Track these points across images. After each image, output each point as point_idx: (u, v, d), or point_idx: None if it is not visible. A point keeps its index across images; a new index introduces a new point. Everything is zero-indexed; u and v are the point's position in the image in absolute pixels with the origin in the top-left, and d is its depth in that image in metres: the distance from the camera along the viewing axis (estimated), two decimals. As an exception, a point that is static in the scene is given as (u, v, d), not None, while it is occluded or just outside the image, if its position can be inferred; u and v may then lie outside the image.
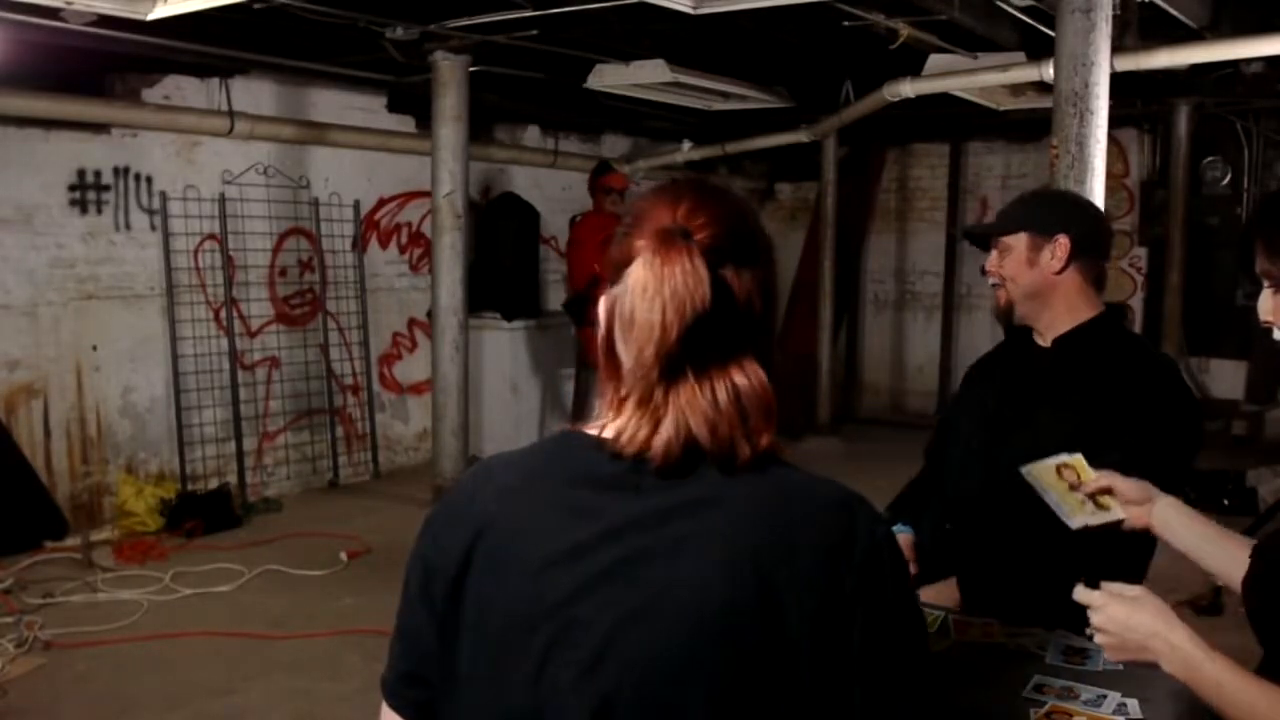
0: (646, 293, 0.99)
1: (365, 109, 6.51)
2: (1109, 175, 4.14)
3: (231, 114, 5.68)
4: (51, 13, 4.06)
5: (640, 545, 0.98)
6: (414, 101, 6.41)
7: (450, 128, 5.59)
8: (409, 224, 6.91)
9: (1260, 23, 4.96)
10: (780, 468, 1.03)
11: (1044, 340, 2.19)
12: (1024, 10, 4.82)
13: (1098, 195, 3.96)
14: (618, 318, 1.03)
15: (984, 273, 2.25)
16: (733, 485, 1.00)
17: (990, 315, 8.81)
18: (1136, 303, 8.16)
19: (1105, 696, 1.59)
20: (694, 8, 4.35)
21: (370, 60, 5.63)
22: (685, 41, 5.49)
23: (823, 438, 7.70)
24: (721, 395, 1.00)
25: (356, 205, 6.49)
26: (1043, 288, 2.15)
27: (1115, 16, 4.15)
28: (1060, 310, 2.15)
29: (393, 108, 6.66)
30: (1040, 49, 5.05)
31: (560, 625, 0.98)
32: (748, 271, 1.03)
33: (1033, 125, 7.30)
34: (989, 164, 8.82)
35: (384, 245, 6.80)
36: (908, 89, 5.91)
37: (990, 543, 2.14)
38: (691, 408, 0.99)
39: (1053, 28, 4.14)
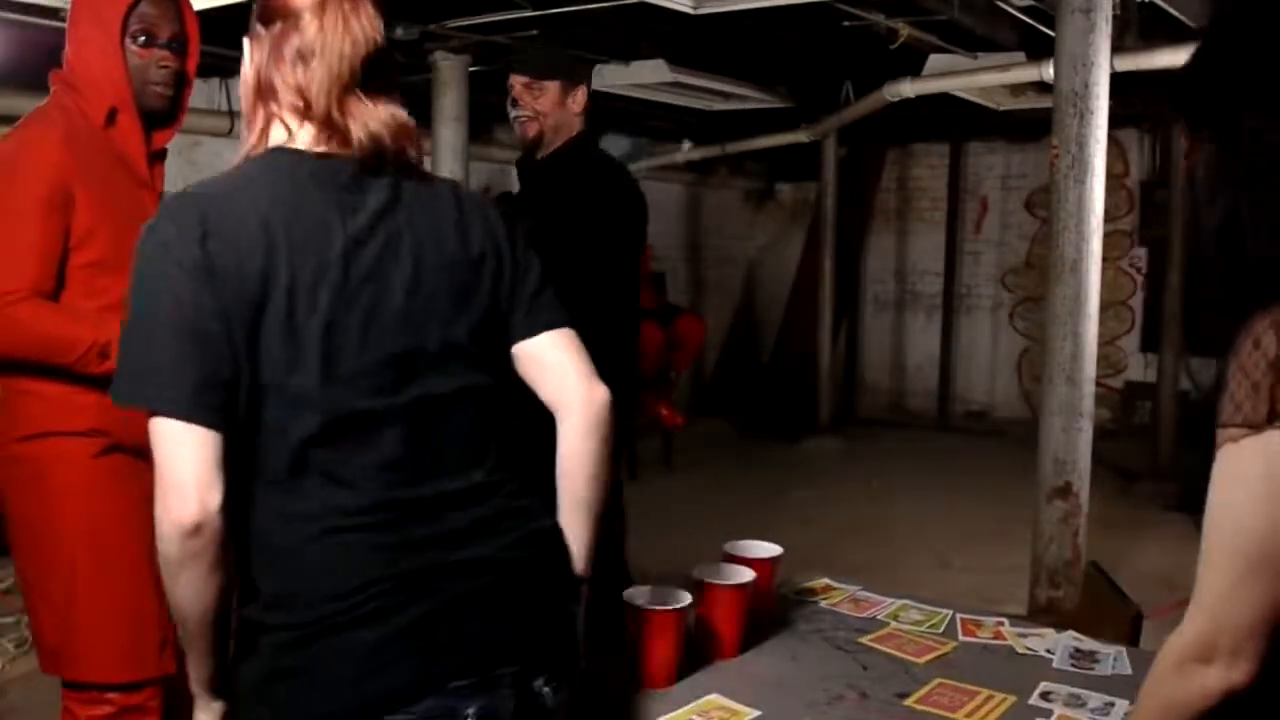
0: (338, 28, 1.28)
1: (365, 109, 6.50)
2: (1109, 175, 4.14)
3: (231, 114, 5.67)
4: (51, 13, 4.06)
5: (393, 226, 1.29)
6: (414, 101, 6.38)
7: (450, 128, 5.58)
8: (409, 224, 6.90)
9: (1260, 23, 4.96)
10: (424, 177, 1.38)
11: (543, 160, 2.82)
12: (1024, 10, 4.82)
13: (1098, 195, 3.96)
14: (299, 48, 1.28)
15: (515, 104, 2.78)
16: (413, 181, 1.34)
17: (990, 315, 8.82)
18: (1136, 303, 8.16)
19: (1113, 704, 1.57)
20: (694, 8, 4.35)
21: (370, 60, 5.62)
22: (685, 41, 5.48)
23: (822, 437, 7.70)
24: (386, 114, 1.31)
25: (356, 205, 6.48)
26: (565, 123, 2.77)
27: (1115, 16, 4.14)
28: (566, 135, 2.78)
29: (392, 108, 6.65)
30: (1040, 49, 5.04)
31: (370, 295, 1.25)
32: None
33: (1033, 125, 7.30)
34: (989, 164, 8.82)
35: (384, 245, 6.79)
36: (908, 89, 5.91)
37: None
38: (370, 117, 1.30)
39: (1053, 28, 4.14)
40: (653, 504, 6.12)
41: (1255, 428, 0.99)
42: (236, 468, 1.20)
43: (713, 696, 1.56)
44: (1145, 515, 5.65)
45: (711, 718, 1.50)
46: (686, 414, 7.30)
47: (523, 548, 1.31)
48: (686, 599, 1.63)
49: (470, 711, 1.21)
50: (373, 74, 1.31)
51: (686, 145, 8.34)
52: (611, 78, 5.91)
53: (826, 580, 2.08)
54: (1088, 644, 1.78)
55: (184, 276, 1.18)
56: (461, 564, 1.25)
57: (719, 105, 6.81)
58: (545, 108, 2.76)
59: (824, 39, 5.35)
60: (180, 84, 2.07)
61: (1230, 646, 1.01)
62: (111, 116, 1.97)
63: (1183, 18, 5.02)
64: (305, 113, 1.29)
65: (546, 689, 1.29)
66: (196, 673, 1.28)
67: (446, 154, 5.57)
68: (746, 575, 1.72)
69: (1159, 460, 6.70)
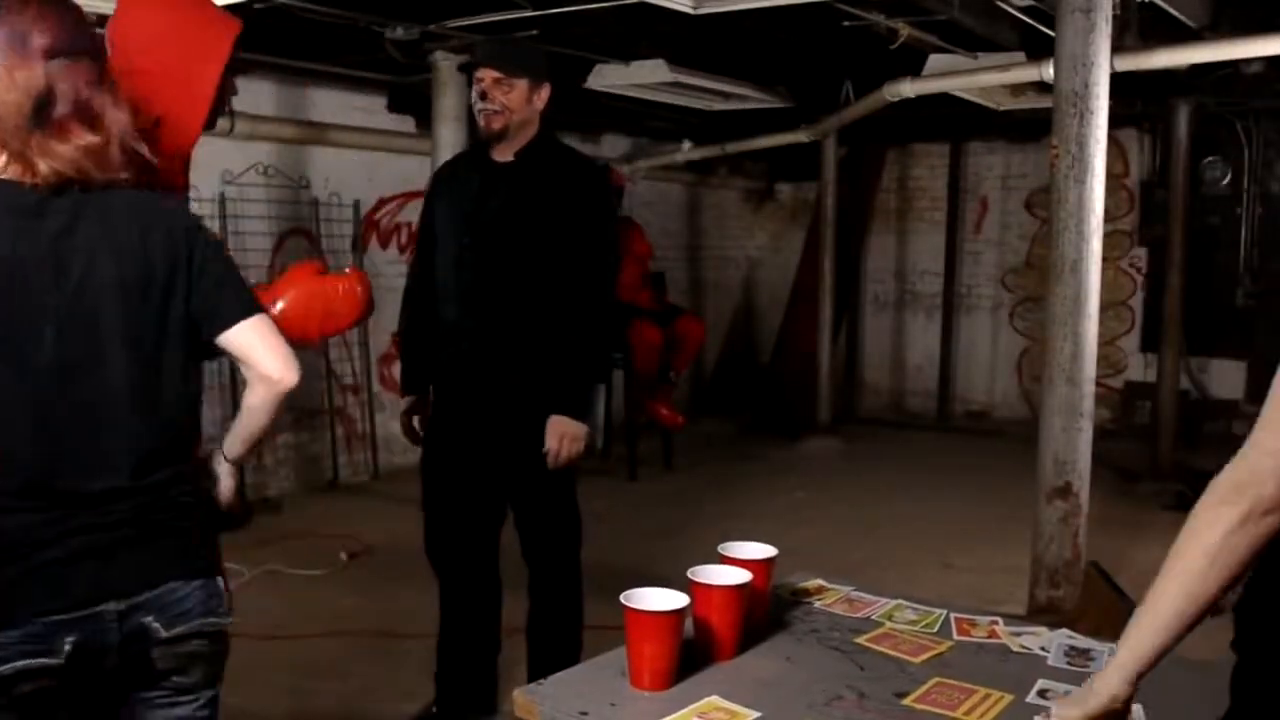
0: (2, 81, 1.46)
1: (365, 109, 6.50)
2: (1109, 175, 4.14)
3: (232, 114, 5.64)
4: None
5: (68, 248, 1.49)
6: (414, 101, 6.40)
7: (450, 128, 5.58)
8: (409, 224, 6.90)
9: (1260, 23, 4.96)
10: (124, 189, 1.55)
11: (504, 155, 2.92)
12: (1024, 10, 4.82)
13: (1098, 195, 3.96)
14: None
15: (483, 97, 2.85)
16: (102, 199, 1.52)
17: (990, 315, 8.79)
18: (1136, 303, 8.16)
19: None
20: (694, 8, 4.35)
21: (370, 60, 5.62)
22: (685, 41, 5.49)
23: (823, 438, 7.70)
24: (71, 149, 1.47)
25: (356, 205, 6.48)
26: (530, 119, 2.90)
27: (1115, 16, 4.14)
28: (529, 132, 2.91)
29: (393, 108, 6.65)
30: (1040, 49, 5.04)
31: (32, 314, 1.47)
32: (81, 62, 1.54)
33: (1033, 125, 7.30)
34: (989, 164, 8.83)
35: (384, 245, 6.80)
36: (908, 89, 5.90)
37: (492, 332, 2.93)
38: (54, 155, 1.47)
39: (1053, 28, 4.14)
40: (652, 504, 6.13)
41: None
42: None
43: (712, 698, 1.56)
44: (1145, 515, 5.65)
45: (712, 719, 1.50)
46: (686, 414, 7.30)
47: (152, 518, 1.58)
48: (684, 601, 1.63)
49: (69, 640, 1.47)
50: (47, 113, 1.48)
51: (686, 145, 8.34)
52: (611, 78, 5.91)
53: (820, 581, 2.08)
54: (1082, 641, 1.78)
55: None
56: (92, 529, 1.50)
57: (719, 105, 6.81)
58: (514, 103, 2.85)
59: (824, 39, 5.35)
60: None
61: (1248, 482, 1.07)
62: None
63: (1183, 18, 5.02)
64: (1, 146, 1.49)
65: (156, 624, 1.56)
66: None
67: (446, 154, 5.56)
68: (743, 576, 1.72)
69: (1159, 460, 6.70)
